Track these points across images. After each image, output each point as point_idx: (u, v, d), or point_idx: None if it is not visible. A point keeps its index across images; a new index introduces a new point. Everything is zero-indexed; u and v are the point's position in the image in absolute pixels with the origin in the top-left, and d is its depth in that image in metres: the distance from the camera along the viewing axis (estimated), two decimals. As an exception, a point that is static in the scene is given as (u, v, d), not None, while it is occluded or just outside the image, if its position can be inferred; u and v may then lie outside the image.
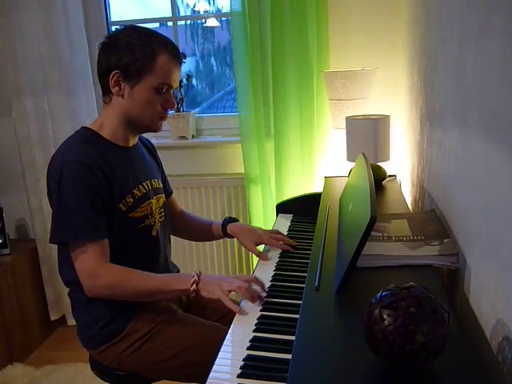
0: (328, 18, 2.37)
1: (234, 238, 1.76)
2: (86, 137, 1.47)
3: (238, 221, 1.79)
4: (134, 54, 1.40)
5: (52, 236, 1.42)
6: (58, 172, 1.37)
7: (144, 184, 1.54)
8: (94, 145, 1.44)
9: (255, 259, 2.48)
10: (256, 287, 1.38)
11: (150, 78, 1.42)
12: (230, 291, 1.35)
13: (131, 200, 1.48)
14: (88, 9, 2.73)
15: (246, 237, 1.71)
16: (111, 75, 1.42)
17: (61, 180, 1.37)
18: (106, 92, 1.47)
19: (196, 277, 1.38)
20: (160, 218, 1.60)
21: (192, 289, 1.36)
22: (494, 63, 0.87)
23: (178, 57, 1.48)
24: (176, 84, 1.49)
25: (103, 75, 1.45)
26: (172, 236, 1.75)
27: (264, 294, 1.37)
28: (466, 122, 1.07)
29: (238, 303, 1.32)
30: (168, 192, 1.76)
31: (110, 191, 1.42)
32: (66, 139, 1.49)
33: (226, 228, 1.75)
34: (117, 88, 1.43)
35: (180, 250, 2.77)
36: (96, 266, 1.37)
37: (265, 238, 1.68)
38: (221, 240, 1.78)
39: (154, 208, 1.56)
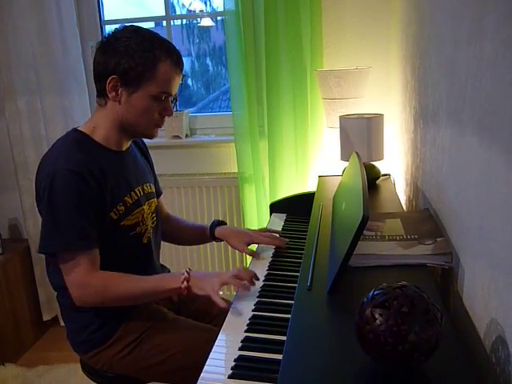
0: (322, 17, 2.36)
1: (222, 241, 1.72)
2: (78, 140, 1.41)
3: (225, 224, 1.75)
4: (133, 59, 1.33)
5: (41, 246, 1.36)
6: (48, 180, 1.31)
7: (136, 190, 1.51)
8: (86, 149, 1.39)
9: (247, 261, 2.47)
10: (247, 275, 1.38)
11: (150, 86, 1.36)
12: (221, 285, 1.34)
13: (122, 208, 1.44)
14: (81, 8, 2.72)
15: (235, 238, 1.67)
16: (108, 80, 1.36)
17: (52, 189, 1.31)
18: (102, 95, 1.41)
19: (186, 274, 1.36)
20: (152, 223, 1.57)
21: (183, 286, 1.34)
22: (487, 61, 0.87)
23: (179, 64, 1.41)
24: (175, 91, 1.44)
25: (99, 78, 1.39)
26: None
27: (255, 283, 1.36)
28: (460, 120, 1.06)
29: (229, 302, 1.31)
30: (158, 194, 1.72)
31: (102, 199, 1.38)
32: (56, 141, 1.44)
33: (214, 231, 1.71)
34: (114, 93, 1.37)
35: (173, 253, 2.76)
36: (85, 276, 1.33)
37: (254, 236, 1.66)
38: (213, 242, 1.75)
39: (145, 215, 1.53)
